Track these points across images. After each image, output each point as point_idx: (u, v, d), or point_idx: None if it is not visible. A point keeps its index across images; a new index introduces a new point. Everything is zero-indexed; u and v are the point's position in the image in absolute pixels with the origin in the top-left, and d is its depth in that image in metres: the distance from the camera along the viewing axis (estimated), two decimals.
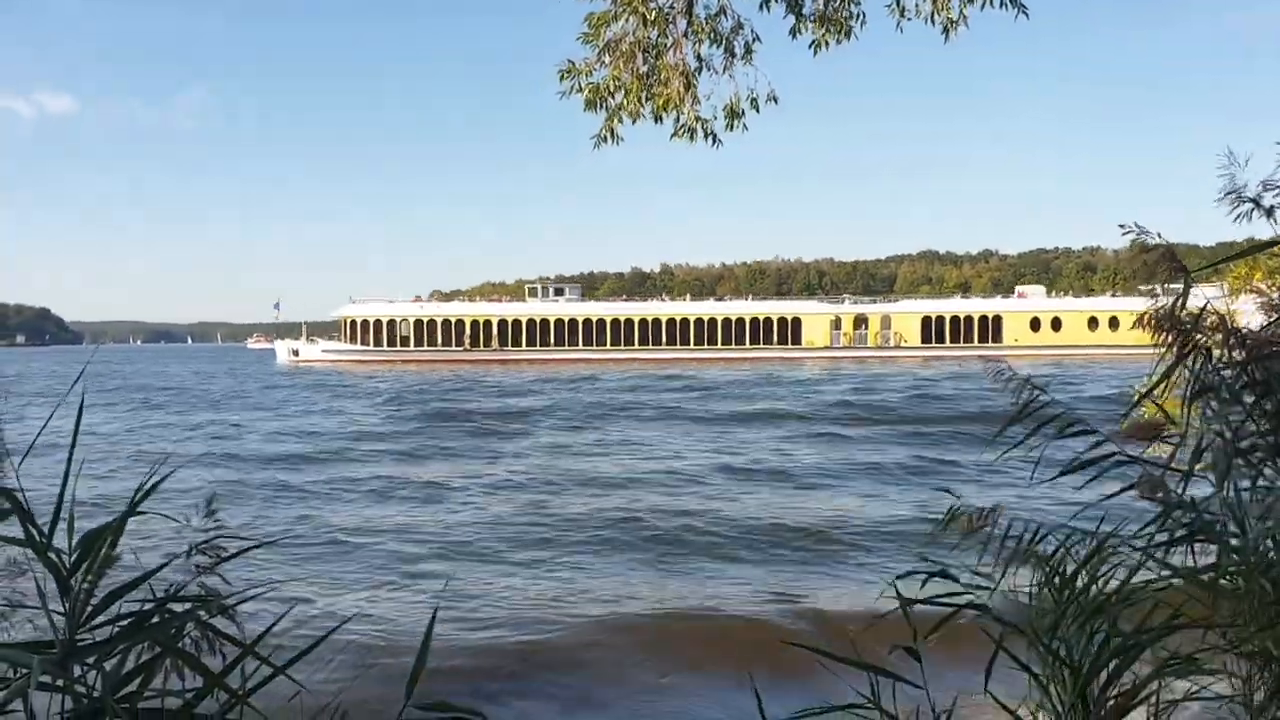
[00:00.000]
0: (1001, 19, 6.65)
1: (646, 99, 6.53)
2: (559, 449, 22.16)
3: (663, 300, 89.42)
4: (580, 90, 6.51)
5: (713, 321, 77.60)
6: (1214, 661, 2.98)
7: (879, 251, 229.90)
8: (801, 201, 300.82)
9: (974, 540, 3.47)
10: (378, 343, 75.96)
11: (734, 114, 6.73)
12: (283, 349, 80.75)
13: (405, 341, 76.03)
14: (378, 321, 76.09)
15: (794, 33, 6.81)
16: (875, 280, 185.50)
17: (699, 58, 6.64)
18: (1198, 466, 3.41)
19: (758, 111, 6.77)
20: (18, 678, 1.98)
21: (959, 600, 3.17)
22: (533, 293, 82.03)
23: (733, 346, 76.49)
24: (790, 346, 76.64)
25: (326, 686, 5.72)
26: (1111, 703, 2.82)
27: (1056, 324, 76.84)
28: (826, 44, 6.75)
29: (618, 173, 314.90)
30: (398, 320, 76.20)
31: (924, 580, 3.27)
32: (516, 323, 76.96)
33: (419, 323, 76.33)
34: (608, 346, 76.41)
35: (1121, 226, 3.79)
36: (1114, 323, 76.10)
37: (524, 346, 76.38)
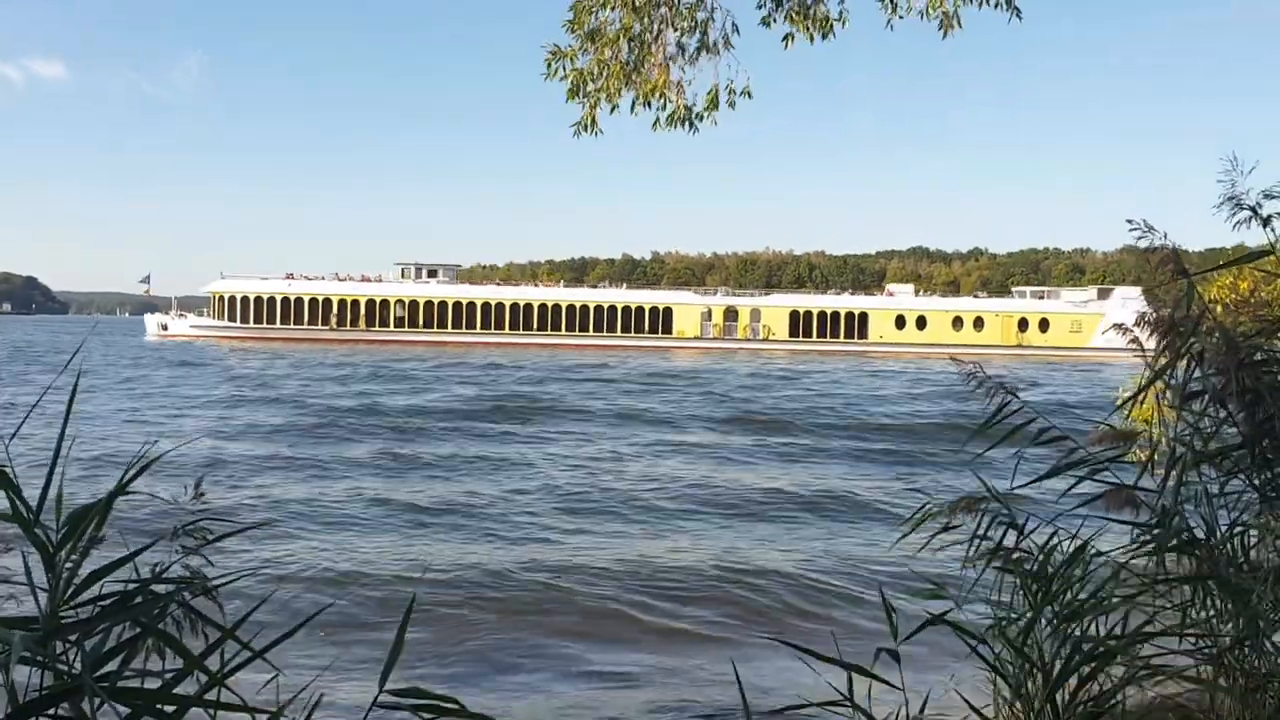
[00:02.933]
0: (995, 19, 6.69)
1: (628, 85, 6.52)
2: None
3: (535, 285, 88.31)
4: (565, 76, 6.50)
5: (585, 308, 77.86)
6: (1185, 670, 3.02)
7: (870, 246, 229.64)
8: (796, 194, 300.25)
9: (954, 538, 3.51)
10: (244, 319, 75.70)
11: (713, 103, 6.74)
12: (152, 322, 79.87)
13: (273, 319, 75.78)
14: (245, 298, 75.84)
15: (766, 23, 6.81)
16: (865, 275, 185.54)
17: (680, 46, 6.64)
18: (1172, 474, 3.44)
19: (733, 108, 6.78)
20: None
21: (939, 603, 3.20)
22: (405, 274, 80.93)
23: (604, 334, 76.91)
24: (661, 336, 77.24)
25: (304, 670, 5.74)
26: (1081, 707, 2.86)
27: (921, 322, 78.06)
28: (811, 38, 6.75)
29: (611, 158, 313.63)
30: (264, 297, 75.96)
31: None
32: (385, 303, 76.75)
33: (286, 300, 76.02)
34: (478, 330, 76.38)
35: (1129, 222, 3.80)
36: (979, 323, 77.97)
37: (392, 327, 76.21)
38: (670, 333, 77.48)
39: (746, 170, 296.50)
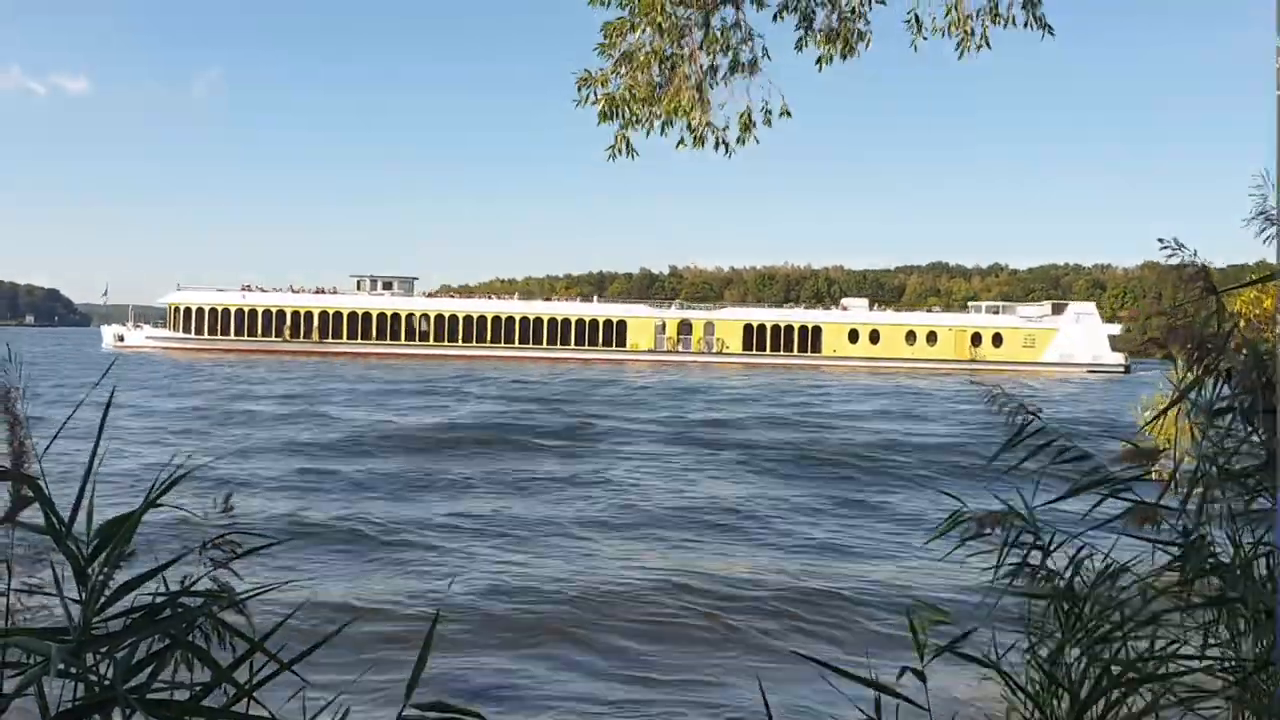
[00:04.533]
0: (1020, 37, 6.68)
1: (654, 105, 6.52)
2: None
3: (494, 299, 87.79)
4: (596, 101, 6.51)
5: (539, 321, 78.27)
6: (1213, 697, 2.99)
7: (889, 261, 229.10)
8: (815, 208, 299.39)
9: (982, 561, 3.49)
10: (199, 330, 76.44)
11: (747, 125, 6.75)
12: (108, 333, 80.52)
13: (227, 330, 76.47)
14: (200, 309, 76.57)
15: (799, 46, 6.84)
16: (884, 290, 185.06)
17: (712, 69, 6.66)
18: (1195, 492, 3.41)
19: (770, 125, 6.80)
20: (32, 664, 2.01)
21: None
22: (361, 286, 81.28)
23: (558, 346, 77.33)
24: (615, 349, 77.46)
25: (331, 682, 5.76)
26: None
27: (875, 337, 78.66)
28: (831, 59, 6.78)
29: (631, 174, 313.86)
30: (219, 309, 76.66)
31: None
32: (338, 315, 77.14)
33: (240, 312, 76.70)
34: (430, 343, 76.73)
35: (1160, 241, 3.79)
36: (931, 337, 78.55)
37: (344, 339, 76.49)
38: (624, 345, 77.81)
39: (763, 181, 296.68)
